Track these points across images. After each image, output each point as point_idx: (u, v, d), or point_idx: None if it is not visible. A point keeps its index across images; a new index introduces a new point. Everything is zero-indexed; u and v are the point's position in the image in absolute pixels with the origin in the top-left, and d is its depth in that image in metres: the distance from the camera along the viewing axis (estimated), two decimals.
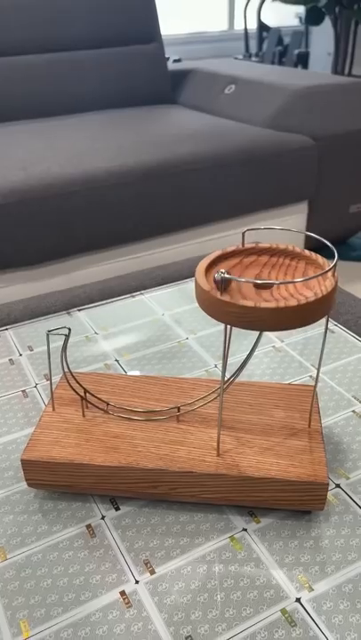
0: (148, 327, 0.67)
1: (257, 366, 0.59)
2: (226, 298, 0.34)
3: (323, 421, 0.51)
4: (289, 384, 0.49)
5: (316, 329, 0.65)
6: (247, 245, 0.41)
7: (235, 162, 1.46)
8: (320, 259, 0.39)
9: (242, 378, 0.57)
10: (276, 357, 0.61)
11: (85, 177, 1.26)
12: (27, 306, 0.71)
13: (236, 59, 3.23)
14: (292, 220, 1.66)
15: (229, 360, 0.60)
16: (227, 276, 0.34)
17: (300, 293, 0.36)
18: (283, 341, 0.63)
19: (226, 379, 0.47)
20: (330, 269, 0.35)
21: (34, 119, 1.75)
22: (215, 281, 0.35)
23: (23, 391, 0.57)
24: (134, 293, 0.74)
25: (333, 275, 0.36)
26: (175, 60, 3.00)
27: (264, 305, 0.33)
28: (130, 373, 0.58)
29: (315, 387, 0.43)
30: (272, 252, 0.41)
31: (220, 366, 0.59)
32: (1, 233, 1.20)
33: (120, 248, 1.38)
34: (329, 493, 0.44)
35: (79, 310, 0.71)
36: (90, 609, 0.37)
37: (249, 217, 1.57)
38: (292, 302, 0.33)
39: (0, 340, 0.65)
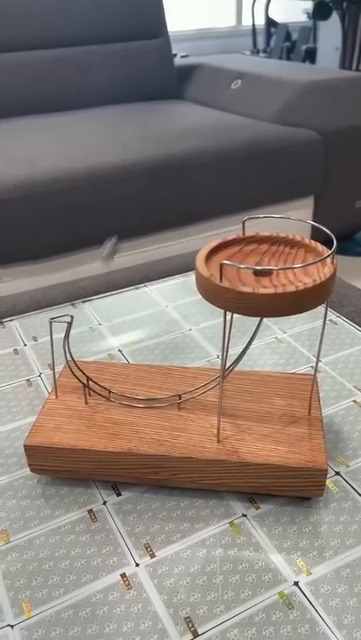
0: (152, 319, 0.67)
1: (259, 357, 0.60)
2: (225, 284, 0.35)
3: (324, 411, 0.52)
4: (291, 373, 0.49)
5: (318, 320, 0.66)
6: (247, 234, 0.41)
7: (240, 157, 1.46)
8: (319, 246, 0.39)
9: (244, 368, 0.58)
10: (279, 348, 0.61)
11: (90, 172, 1.27)
12: (32, 297, 0.72)
13: (243, 54, 3.23)
14: (297, 215, 1.66)
15: (232, 351, 0.61)
16: (227, 262, 0.34)
17: (300, 280, 0.36)
18: (285, 332, 0.64)
19: (226, 367, 0.48)
20: (328, 256, 0.35)
21: (39, 114, 1.76)
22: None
23: (27, 380, 0.57)
24: (138, 285, 0.75)
25: (332, 262, 0.37)
26: (182, 56, 3.00)
27: (262, 291, 0.34)
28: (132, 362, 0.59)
29: (314, 375, 0.44)
30: (272, 240, 0.41)
31: (227, 355, 0.60)
32: (6, 228, 1.20)
33: (125, 242, 1.38)
34: (328, 481, 0.44)
35: (83, 302, 0.71)
36: (90, 590, 0.37)
37: (254, 212, 1.57)
38: (291, 288, 0.34)
39: (5, 331, 0.66)
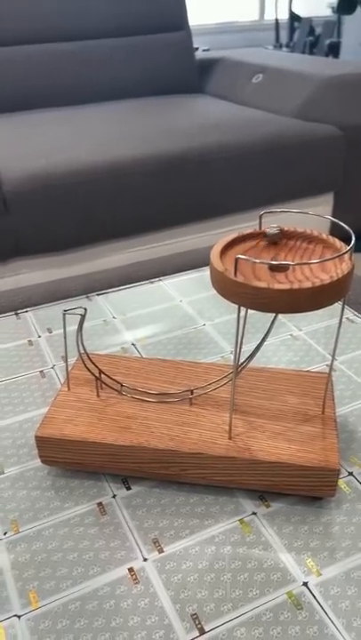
0: (166, 313, 0.67)
1: (274, 354, 0.59)
2: (240, 279, 0.34)
3: (338, 410, 0.51)
4: (305, 371, 0.49)
5: (335, 318, 0.65)
6: (264, 228, 0.41)
7: (260, 152, 1.45)
8: (337, 242, 0.38)
9: (258, 365, 0.57)
10: (294, 346, 0.60)
11: (109, 165, 1.27)
12: (47, 289, 0.72)
13: (266, 49, 3.20)
14: (317, 212, 1.64)
15: (246, 347, 0.60)
16: (242, 257, 0.34)
17: (316, 276, 0.35)
18: (301, 330, 0.63)
19: (240, 363, 0.47)
20: (346, 252, 0.34)
21: (59, 107, 1.76)
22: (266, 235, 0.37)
23: (41, 371, 0.57)
24: (153, 280, 0.75)
25: (350, 258, 0.36)
26: (204, 50, 2.98)
27: (278, 286, 0.33)
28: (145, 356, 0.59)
29: (329, 373, 0.43)
30: (289, 235, 0.40)
31: (241, 351, 0.59)
32: (25, 220, 1.21)
33: (143, 236, 1.38)
34: (341, 481, 0.44)
35: (98, 295, 0.71)
36: (98, 583, 0.37)
37: (273, 207, 1.56)
38: (307, 284, 0.33)
39: (20, 322, 0.66)
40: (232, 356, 0.59)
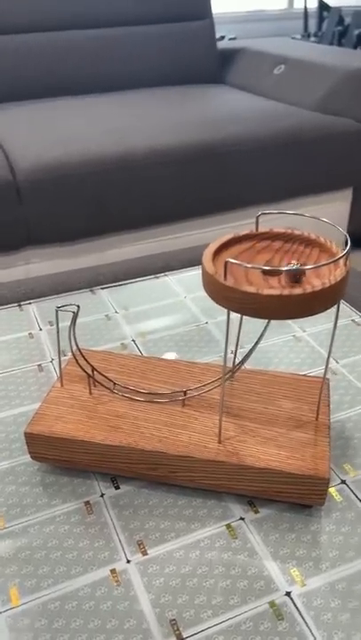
0: (169, 309, 0.66)
1: (275, 355, 0.58)
2: (230, 283, 0.33)
3: (336, 416, 0.50)
4: (303, 375, 0.48)
5: (340, 320, 0.64)
6: (261, 230, 0.40)
7: (278, 145, 1.43)
8: (334, 247, 0.37)
9: (258, 366, 0.56)
10: (296, 347, 0.59)
11: (124, 155, 1.26)
12: (52, 281, 0.72)
13: (293, 38, 3.14)
14: (334, 208, 1.62)
15: (248, 347, 0.59)
16: (232, 260, 0.33)
17: (309, 282, 0.34)
18: (305, 331, 0.62)
19: (236, 365, 0.46)
20: (339, 258, 0.33)
21: (76, 96, 1.75)
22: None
23: (39, 365, 0.57)
24: (159, 274, 0.74)
25: (345, 264, 0.35)
26: (231, 39, 2.94)
27: (267, 292, 0.32)
28: (146, 354, 0.58)
29: (323, 378, 0.42)
30: (286, 237, 0.39)
31: (237, 353, 0.58)
32: (38, 209, 1.21)
33: (155, 228, 1.37)
34: (333, 489, 0.43)
35: (102, 289, 0.71)
36: (79, 583, 0.37)
37: (290, 202, 1.54)
38: (297, 290, 0.32)
39: (22, 314, 0.66)
40: (232, 356, 0.58)
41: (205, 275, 0.35)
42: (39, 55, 1.68)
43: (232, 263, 0.33)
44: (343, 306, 0.66)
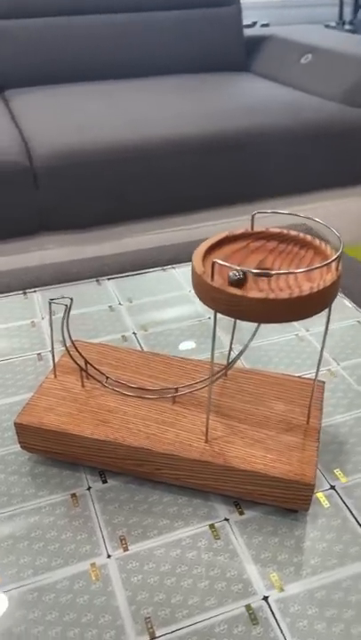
0: (173, 302, 0.66)
1: (276, 354, 0.57)
2: (217, 284, 0.33)
3: (331, 419, 0.49)
4: (298, 377, 0.47)
5: (346, 320, 0.62)
6: (256, 229, 0.39)
7: (300, 137, 1.40)
8: (328, 250, 0.36)
9: (257, 364, 0.56)
10: (298, 347, 0.58)
11: (141, 143, 1.25)
12: (57, 270, 0.72)
13: (327, 26, 3.08)
14: (356, 203, 1.59)
15: (252, 343, 0.59)
16: (219, 261, 0.32)
17: (299, 285, 0.34)
18: (308, 330, 0.61)
19: (225, 365, 0.46)
20: (330, 262, 0.33)
21: (98, 81, 1.74)
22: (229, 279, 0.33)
23: (38, 354, 0.58)
24: (166, 267, 0.74)
25: (337, 268, 0.34)
26: (263, 25, 2.88)
27: (252, 295, 0.32)
28: (146, 348, 0.58)
29: (314, 381, 0.41)
30: (282, 238, 0.39)
31: (236, 350, 0.58)
32: (54, 195, 1.21)
33: (171, 218, 1.36)
34: (321, 494, 0.42)
35: (108, 279, 0.71)
36: (58, 576, 0.37)
37: (311, 195, 1.51)
38: (283, 295, 0.32)
39: (27, 302, 0.66)
40: (232, 353, 0.57)
41: (194, 274, 0.34)
42: (60, 39, 1.67)
43: (220, 264, 0.32)
44: (349, 306, 0.65)
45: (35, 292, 0.68)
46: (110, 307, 0.65)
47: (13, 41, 1.64)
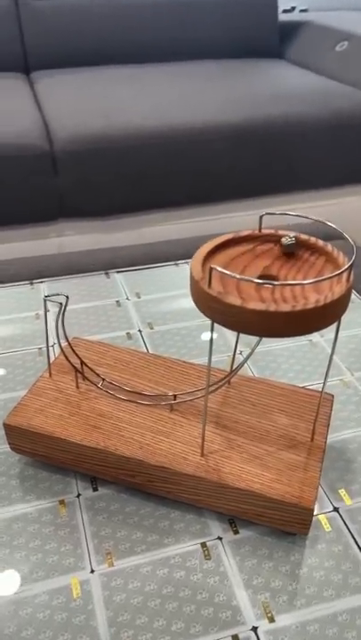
0: (182, 300, 0.63)
1: (286, 360, 0.54)
2: (214, 292, 0.30)
3: (340, 434, 0.46)
4: (304, 388, 0.44)
5: None
6: (264, 231, 0.36)
7: (331, 128, 1.35)
8: (341, 258, 0.33)
9: (265, 371, 0.53)
10: (310, 353, 0.55)
11: (166, 130, 1.22)
12: (66, 261, 0.70)
13: None
14: None
15: (261, 348, 0.56)
16: (217, 268, 0.30)
17: (305, 296, 0.31)
18: (322, 336, 0.58)
19: (225, 376, 0.43)
20: (339, 273, 0.30)
21: (126, 64, 1.70)
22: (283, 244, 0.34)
23: (39, 349, 0.56)
24: (178, 262, 0.71)
25: (348, 279, 0.31)
26: (302, 10, 2.80)
27: (251, 306, 0.29)
28: (150, 347, 0.56)
29: (321, 393, 0.38)
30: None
31: (244, 354, 0.55)
32: (73, 181, 1.19)
33: (194, 209, 1.33)
34: (323, 516, 0.40)
35: (118, 272, 0.69)
36: (37, 589, 0.36)
37: (342, 189, 1.46)
38: (285, 307, 0.29)
39: (32, 293, 0.64)
40: (239, 357, 0.55)
41: (191, 279, 0.32)
42: (90, 21, 1.64)
43: (217, 271, 0.30)
44: None
45: (42, 282, 0.66)
46: (117, 301, 0.63)
47: (42, 22, 1.62)
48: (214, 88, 1.47)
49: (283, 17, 1.99)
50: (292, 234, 0.35)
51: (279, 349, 0.56)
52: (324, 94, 1.44)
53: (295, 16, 2.02)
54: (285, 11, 2.28)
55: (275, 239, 0.36)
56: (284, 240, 0.34)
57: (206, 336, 0.57)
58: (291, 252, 0.34)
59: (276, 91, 1.46)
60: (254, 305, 0.29)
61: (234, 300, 0.29)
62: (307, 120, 1.34)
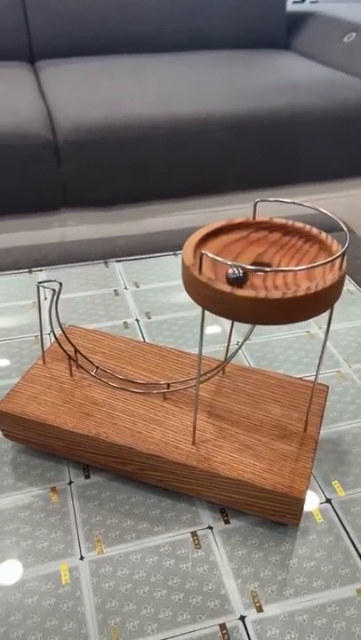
0: (181, 290, 0.63)
1: (283, 351, 0.54)
2: (204, 278, 0.30)
3: (335, 425, 0.46)
4: (300, 379, 0.44)
5: None
6: (258, 219, 0.36)
7: (337, 120, 1.34)
8: (335, 245, 0.33)
9: (262, 361, 0.53)
10: (308, 345, 0.55)
11: (169, 120, 1.21)
12: (65, 250, 0.70)
13: None
14: None
15: (265, 338, 0.55)
16: (208, 254, 0.29)
17: (297, 284, 0.30)
18: (321, 328, 0.57)
19: (217, 366, 0.43)
20: (332, 259, 0.29)
21: (129, 54, 1.69)
22: (227, 276, 0.30)
23: (36, 336, 0.56)
24: (177, 252, 0.70)
25: (341, 266, 0.30)
26: (312, 1, 2.77)
27: (241, 293, 0.29)
28: (147, 336, 0.56)
29: (314, 384, 0.38)
30: (286, 229, 0.35)
31: (229, 348, 0.55)
32: (76, 170, 1.19)
33: (197, 199, 1.33)
34: (315, 508, 0.39)
35: (117, 261, 0.68)
36: (27, 575, 0.36)
37: (345, 182, 1.45)
38: (275, 294, 0.28)
39: (30, 281, 0.64)
40: (233, 348, 0.54)
41: (183, 265, 0.31)
42: (93, 11, 1.63)
43: (208, 257, 0.29)
44: None
45: (41, 270, 0.66)
46: (116, 290, 0.63)
47: (47, 11, 1.61)
48: (219, 78, 1.45)
49: (291, 8, 1.97)
50: (283, 220, 0.34)
51: (276, 340, 0.55)
52: (330, 85, 1.43)
53: (305, 7, 2.00)
54: (296, 2, 2.26)
55: (269, 227, 0.35)
56: (229, 273, 0.30)
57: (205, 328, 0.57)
58: (239, 284, 0.30)
59: (281, 81, 1.45)
60: (244, 292, 0.28)
61: (224, 286, 0.29)
62: (313, 111, 1.32)
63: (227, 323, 0.58)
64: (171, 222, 1.32)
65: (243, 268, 0.29)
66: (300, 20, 1.90)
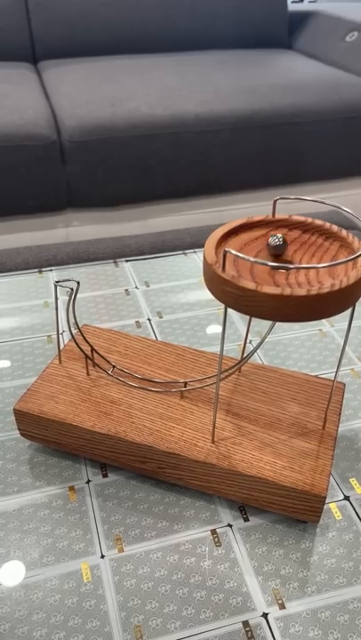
0: (192, 289, 0.63)
1: (296, 349, 0.54)
2: (228, 276, 0.30)
3: (352, 423, 0.46)
4: (316, 376, 0.44)
5: None
6: (278, 216, 0.36)
7: (341, 119, 1.34)
8: (356, 242, 0.33)
9: (275, 360, 0.53)
10: (320, 343, 0.55)
11: (173, 120, 1.21)
12: (75, 249, 0.70)
13: None
14: None
15: (271, 338, 0.56)
16: (231, 251, 0.29)
17: (320, 281, 0.30)
18: (333, 326, 0.57)
19: (236, 364, 0.43)
20: (356, 257, 0.29)
21: (133, 54, 1.69)
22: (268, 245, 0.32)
23: (48, 336, 0.56)
24: (187, 251, 0.71)
25: None
26: (311, 1, 2.76)
27: (266, 290, 0.29)
28: (159, 335, 0.56)
29: (333, 382, 0.38)
30: (306, 227, 0.35)
31: (254, 343, 0.55)
32: (80, 170, 1.19)
33: (201, 199, 1.33)
34: (334, 505, 0.40)
35: (127, 261, 0.68)
36: (48, 574, 0.36)
37: (350, 181, 1.45)
38: (300, 292, 0.28)
39: (42, 280, 0.64)
40: (249, 347, 0.54)
41: (205, 263, 0.32)
42: (96, 11, 1.63)
43: (231, 254, 0.29)
44: None
45: (51, 270, 0.66)
46: (126, 290, 0.63)
47: (49, 12, 1.61)
48: (222, 78, 1.45)
49: (292, 7, 1.97)
50: (302, 218, 0.35)
51: (289, 339, 0.55)
52: (333, 85, 1.43)
53: (305, 6, 2.00)
54: (294, 1, 2.26)
55: (288, 224, 0.36)
56: (270, 240, 0.32)
57: (214, 327, 0.57)
58: (279, 254, 0.33)
59: (285, 81, 1.45)
60: (269, 289, 0.29)
61: (248, 283, 0.29)
62: (316, 110, 1.32)
63: (239, 321, 0.58)
64: (175, 222, 1.32)
65: (283, 238, 0.31)
66: (302, 19, 1.90)
